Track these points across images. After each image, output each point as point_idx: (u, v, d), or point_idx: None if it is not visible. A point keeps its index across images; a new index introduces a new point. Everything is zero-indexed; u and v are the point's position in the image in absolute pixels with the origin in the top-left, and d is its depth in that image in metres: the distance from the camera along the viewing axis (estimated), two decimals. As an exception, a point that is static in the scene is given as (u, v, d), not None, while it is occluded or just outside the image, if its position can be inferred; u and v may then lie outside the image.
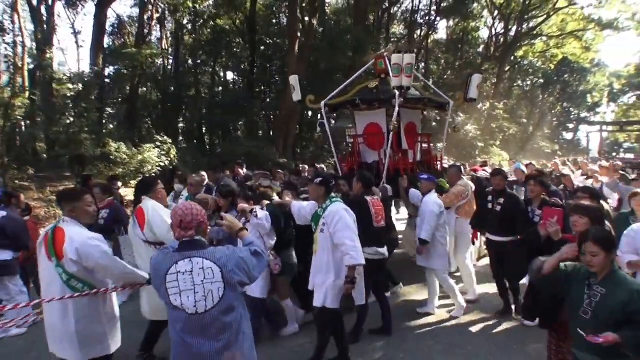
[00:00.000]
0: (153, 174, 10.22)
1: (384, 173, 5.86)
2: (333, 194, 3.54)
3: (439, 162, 7.44)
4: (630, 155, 29.83)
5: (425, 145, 7.22)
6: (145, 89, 16.73)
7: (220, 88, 20.29)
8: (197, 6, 15.61)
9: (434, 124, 15.94)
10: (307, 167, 9.54)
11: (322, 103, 6.69)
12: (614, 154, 33.41)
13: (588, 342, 2.12)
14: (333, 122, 8.66)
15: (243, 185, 6.41)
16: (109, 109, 13.93)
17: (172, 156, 11.64)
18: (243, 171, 8.06)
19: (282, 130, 14.78)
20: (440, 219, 4.75)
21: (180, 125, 18.87)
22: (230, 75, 21.47)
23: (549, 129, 35.26)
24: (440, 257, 4.80)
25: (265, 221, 3.72)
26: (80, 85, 11.40)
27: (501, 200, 4.65)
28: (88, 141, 10.64)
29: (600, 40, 24.68)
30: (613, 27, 22.67)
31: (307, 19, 14.48)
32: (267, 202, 4.00)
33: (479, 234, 6.04)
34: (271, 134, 18.00)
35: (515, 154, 24.81)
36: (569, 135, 39.77)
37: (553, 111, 36.44)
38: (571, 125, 39.62)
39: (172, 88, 16.71)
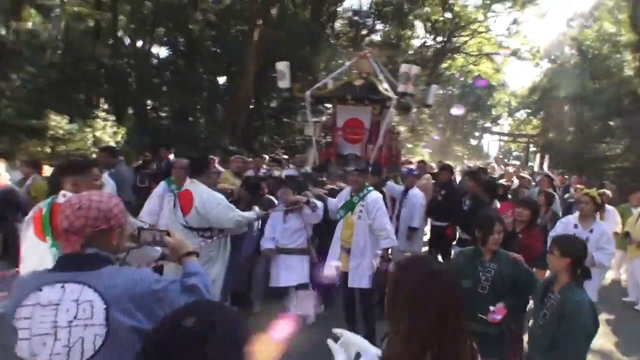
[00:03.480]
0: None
1: (368, 165, 6.45)
2: (366, 183, 3.93)
3: (395, 158, 8.33)
4: (517, 162, 34.99)
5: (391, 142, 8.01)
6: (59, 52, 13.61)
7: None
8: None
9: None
10: (285, 156, 9.48)
11: (308, 93, 6.99)
12: (506, 160, 38.78)
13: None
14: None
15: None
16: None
17: (120, 136, 10.62)
18: (171, 156, 7.44)
19: (232, 116, 14.56)
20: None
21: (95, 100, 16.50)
22: (165, 53, 19.95)
23: (460, 135, 39.55)
24: (420, 240, 5.65)
25: (321, 212, 3.96)
26: None
27: (443, 192, 5.54)
28: (8, 109, 8.99)
29: (506, 64, 29.20)
30: (517, 56, 26.86)
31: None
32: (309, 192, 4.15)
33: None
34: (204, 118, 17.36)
35: (433, 155, 27.54)
36: (475, 142, 45.06)
37: (465, 119, 40.98)
38: (477, 133, 44.99)
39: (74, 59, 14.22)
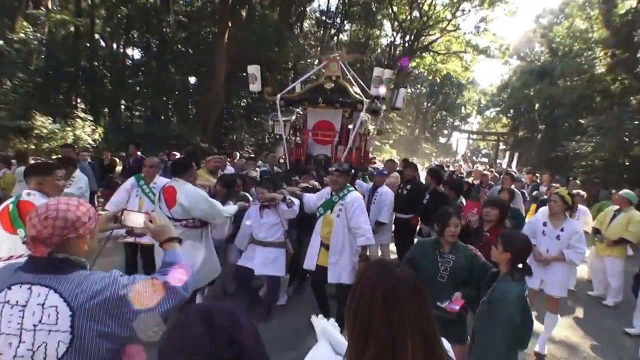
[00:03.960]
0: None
1: (337, 166, 6.64)
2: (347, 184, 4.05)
3: (364, 158, 8.57)
4: (485, 159, 36.15)
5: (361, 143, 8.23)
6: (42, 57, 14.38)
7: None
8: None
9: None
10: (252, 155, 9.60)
11: (278, 96, 7.04)
12: (474, 158, 40.05)
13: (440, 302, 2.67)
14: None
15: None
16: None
17: (97, 134, 10.78)
18: (139, 153, 7.77)
19: (203, 116, 14.51)
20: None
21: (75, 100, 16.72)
22: (138, 54, 19.70)
23: (429, 133, 40.52)
24: (388, 232, 5.95)
25: (297, 208, 4.10)
26: None
27: (408, 187, 5.88)
28: (2, 112, 9.67)
29: (475, 62, 29.40)
30: (486, 54, 27.31)
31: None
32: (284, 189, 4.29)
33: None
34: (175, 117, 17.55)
35: (400, 153, 28.13)
36: (443, 140, 46.15)
37: (434, 118, 41.98)
38: (446, 131, 46.09)
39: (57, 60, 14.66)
